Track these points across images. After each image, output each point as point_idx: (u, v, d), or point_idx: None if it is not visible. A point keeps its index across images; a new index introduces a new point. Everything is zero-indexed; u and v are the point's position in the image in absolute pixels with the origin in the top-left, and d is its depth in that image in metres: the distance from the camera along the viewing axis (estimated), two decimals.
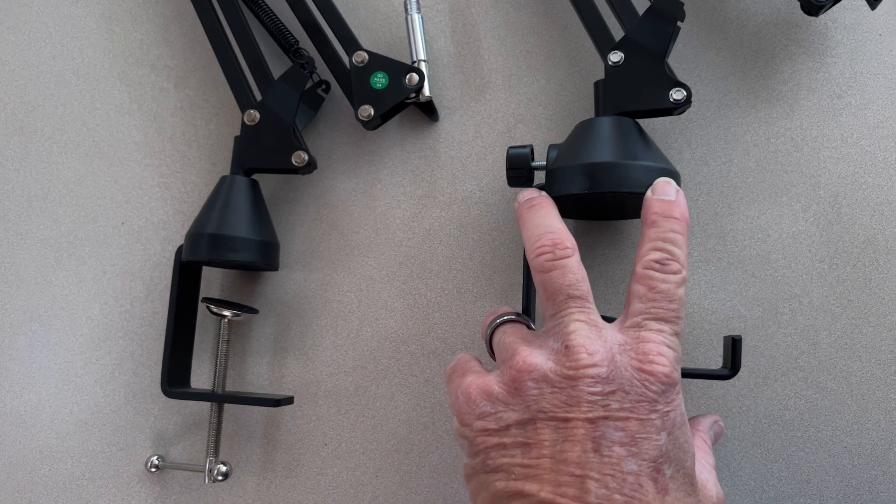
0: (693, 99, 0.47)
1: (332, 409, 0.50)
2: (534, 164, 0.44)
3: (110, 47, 0.56)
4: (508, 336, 0.37)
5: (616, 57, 0.43)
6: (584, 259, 0.47)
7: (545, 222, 0.38)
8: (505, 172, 0.49)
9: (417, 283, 0.50)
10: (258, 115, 0.48)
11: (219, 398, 0.47)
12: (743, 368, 0.45)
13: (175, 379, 0.48)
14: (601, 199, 0.42)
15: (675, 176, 0.42)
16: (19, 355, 0.54)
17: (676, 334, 0.34)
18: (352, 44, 0.48)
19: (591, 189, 0.40)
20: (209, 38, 0.50)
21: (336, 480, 0.49)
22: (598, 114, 0.44)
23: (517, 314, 0.40)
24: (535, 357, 0.34)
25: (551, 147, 0.44)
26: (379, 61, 0.47)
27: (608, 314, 0.38)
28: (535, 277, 0.37)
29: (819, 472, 0.44)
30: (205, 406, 0.51)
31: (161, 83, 0.56)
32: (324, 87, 0.51)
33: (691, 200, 0.47)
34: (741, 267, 0.46)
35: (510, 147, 0.44)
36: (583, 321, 0.34)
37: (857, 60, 0.47)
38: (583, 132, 0.43)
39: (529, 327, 0.40)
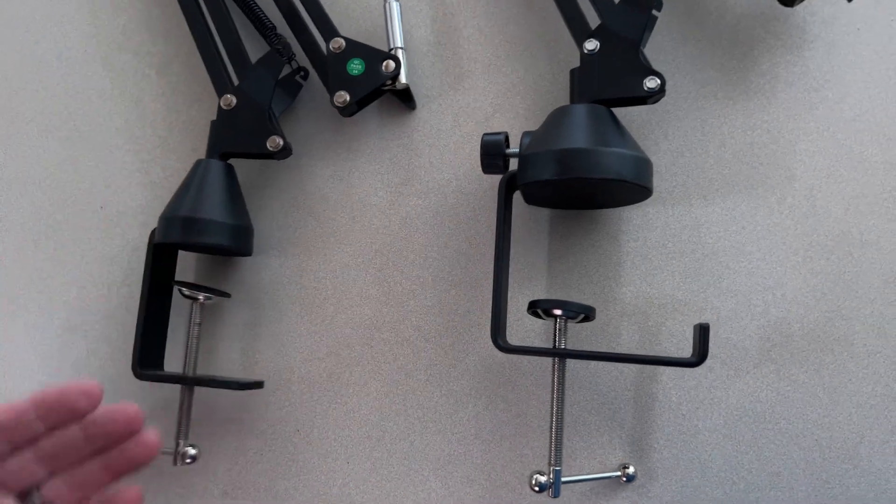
0: (670, 90, 0.47)
1: (304, 395, 0.50)
2: (508, 150, 0.44)
3: (94, 32, 0.57)
4: None
5: (591, 45, 0.44)
6: (559, 248, 0.48)
7: None
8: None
9: (392, 271, 0.50)
10: (234, 100, 0.48)
11: (187, 381, 0.47)
12: (715, 360, 0.45)
13: (147, 362, 0.48)
14: (574, 186, 0.42)
15: (647, 164, 0.42)
16: None
17: None
18: (329, 30, 0.48)
19: (562, 175, 0.40)
20: (187, 21, 0.51)
21: (307, 467, 0.49)
22: (573, 101, 0.44)
23: None
24: None
25: (525, 134, 0.44)
26: (356, 48, 0.47)
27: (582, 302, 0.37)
28: None
29: (789, 465, 0.44)
30: (178, 390, 0.50)
31: (143, 69, 0.56)
32: (302, 73, 0.51)
33: (666, 191, 0.47)
34: (715, 258, 0.46)
35: (485, 134, 0.44)
36: None
37: (835, 54, 0.47)
38: (556, 119, 0.43)
39: None
